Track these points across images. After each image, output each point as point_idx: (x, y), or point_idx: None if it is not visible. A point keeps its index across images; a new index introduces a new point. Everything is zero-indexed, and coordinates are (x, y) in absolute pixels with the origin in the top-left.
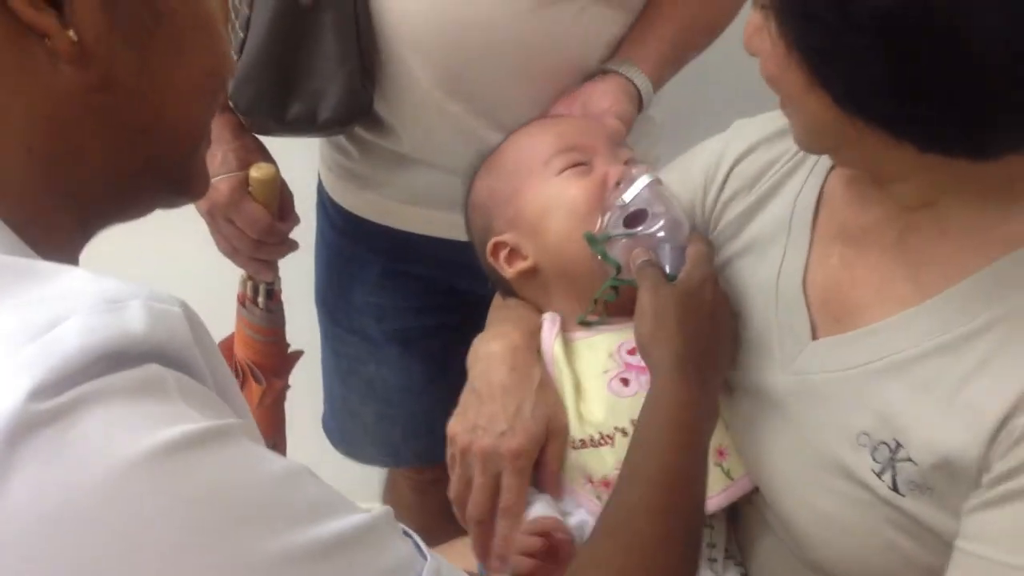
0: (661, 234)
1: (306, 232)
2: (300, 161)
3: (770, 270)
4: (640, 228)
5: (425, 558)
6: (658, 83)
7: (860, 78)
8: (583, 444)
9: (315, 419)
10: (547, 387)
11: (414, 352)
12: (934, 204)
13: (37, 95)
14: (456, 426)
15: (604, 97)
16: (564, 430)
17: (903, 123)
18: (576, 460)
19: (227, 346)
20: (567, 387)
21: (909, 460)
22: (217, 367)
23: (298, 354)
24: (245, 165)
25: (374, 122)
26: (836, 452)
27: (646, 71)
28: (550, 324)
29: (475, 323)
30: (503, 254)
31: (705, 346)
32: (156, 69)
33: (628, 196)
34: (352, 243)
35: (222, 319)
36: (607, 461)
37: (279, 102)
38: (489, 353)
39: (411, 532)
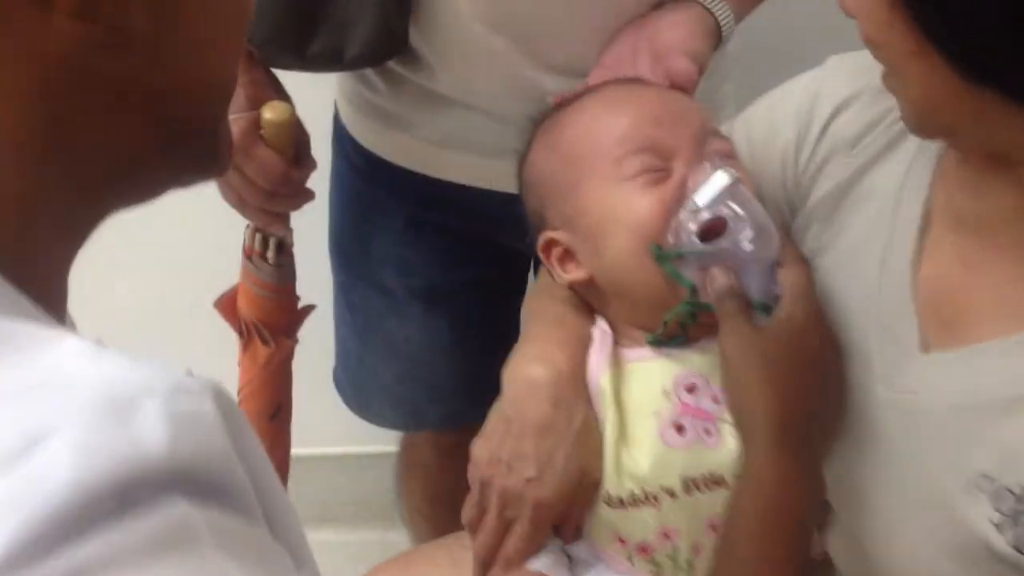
0: (747, 247)
1: (322, 172)
2: (314, 92)
3: (872, 261)
4: (720, 241)
5: None
6: (740, 16)
7: (981, 29)
8: (620, 504)
9: (327, 373)
10: (588, 431)
11: (441, 310)
12: None
13: (27, 60)
14: (480, 451)
15: (675, 30)
16: (597, 484)
17: None
18: (608, 518)
19: (229, 303)
20: (609, 427)
21: None
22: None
23: (309, 309)
24: (256, 104)
25: (407, 55)
26: (947, 494)
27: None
28: (599, 346)
29: (513, 280)
30: (555, 252)
31: (809, 405)
32: (174, 17)
33: (701, 199)
34: (374, 187)
35: (227, 275)
36: (647, 524)
37: (300, 35)
38: (529, 379)
39: None
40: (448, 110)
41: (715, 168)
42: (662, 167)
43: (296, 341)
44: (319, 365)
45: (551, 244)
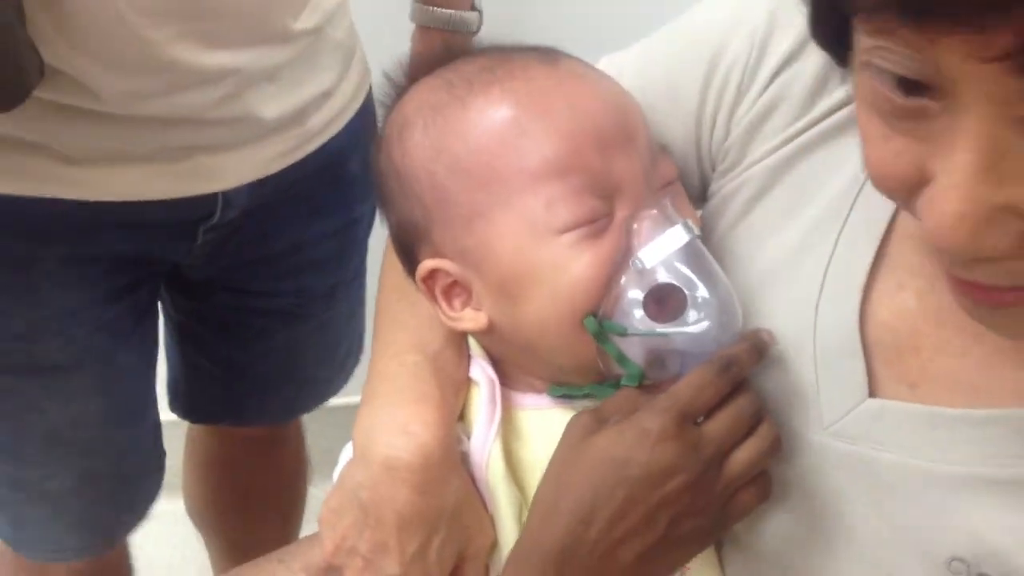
0: (701, 328)
1: None
2: None
3: (811, 272)
4: (677, 323)
5: None
6: None
7: None
8: None
9: None
10: (464, 506)
11: (126, 355)
12: None
13: None
14: (330, 532)
15: None
16: (485, 550)
17: None
18: None
19: None
20: (505, 510)
21: None
22: None
23: None
24: None
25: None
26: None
27: None
28: (485, 407)
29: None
30: (441, 285)
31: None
32: None
33: (650, 257)
34: (9, 239)
35: None
36: None
37: None
38: (387, 462)
39: None
40: (107, 124)
41: (668, 218)
42: (603, 212)
43: None
44: None
45: (436, 276)
